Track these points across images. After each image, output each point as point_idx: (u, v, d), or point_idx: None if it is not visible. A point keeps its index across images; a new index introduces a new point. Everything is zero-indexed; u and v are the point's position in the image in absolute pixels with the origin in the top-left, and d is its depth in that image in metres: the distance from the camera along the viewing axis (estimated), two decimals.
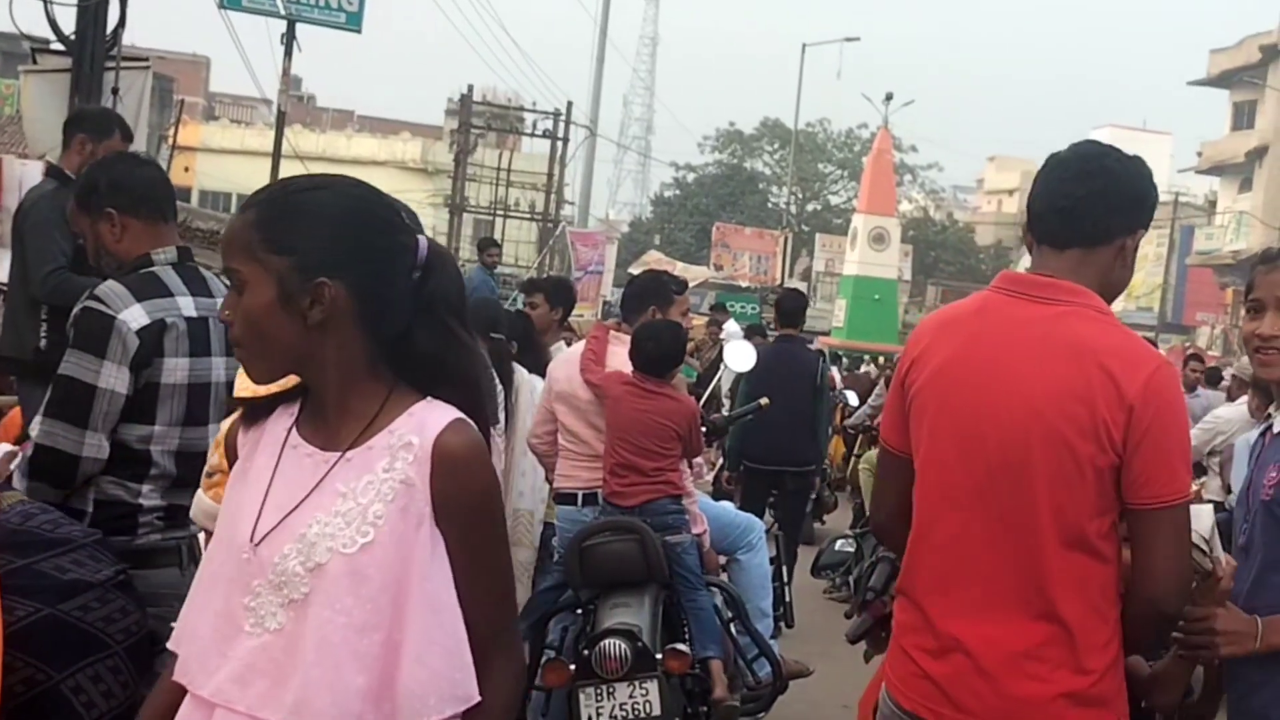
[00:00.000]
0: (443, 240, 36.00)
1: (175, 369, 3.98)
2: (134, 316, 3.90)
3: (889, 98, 41.38)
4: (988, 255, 69.60)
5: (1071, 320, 2.95)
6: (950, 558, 3.02)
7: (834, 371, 13.63)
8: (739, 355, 8.31)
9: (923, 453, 3.08)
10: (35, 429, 3.83)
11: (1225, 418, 9.81)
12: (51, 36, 10.22)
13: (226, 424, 3.57)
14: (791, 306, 10.73)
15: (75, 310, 3.92)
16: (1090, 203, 3.01)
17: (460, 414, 2.39)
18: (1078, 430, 2.86)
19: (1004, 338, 2.99)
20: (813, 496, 13.68)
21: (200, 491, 3.59)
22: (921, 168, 71.75)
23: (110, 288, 3.93)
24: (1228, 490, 9.21)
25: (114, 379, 3.86)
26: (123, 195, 4.11)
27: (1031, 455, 2.89)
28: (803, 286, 52.80)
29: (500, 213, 36.17)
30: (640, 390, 5.98)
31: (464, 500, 2.35)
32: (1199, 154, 60.48)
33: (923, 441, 3.07)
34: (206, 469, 3.57)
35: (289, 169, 20.01)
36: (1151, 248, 61.46)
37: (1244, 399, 9.82)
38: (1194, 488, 10.32)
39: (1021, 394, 2.91)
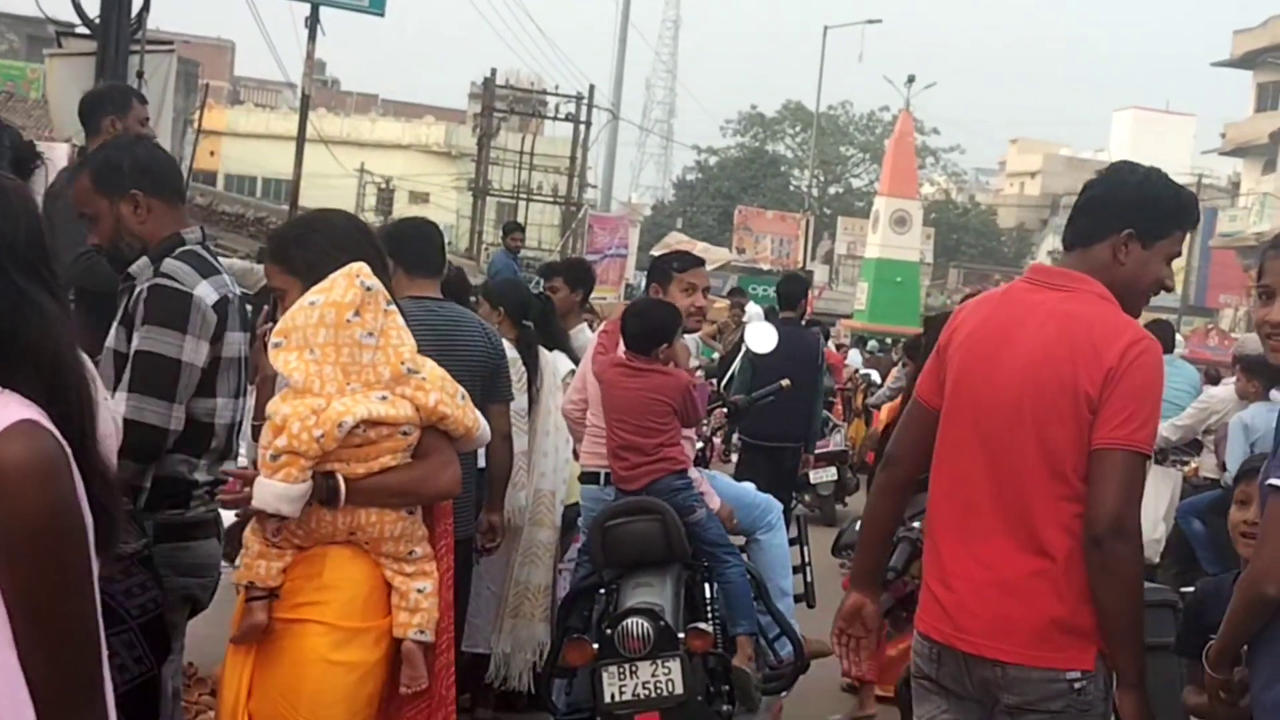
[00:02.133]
0: (465, 224, 36.13)
1: (233, 343, 4.12)
2: (206, 293, 4.02)
3: (911, 80, 41.13)
4: (1010, 238, 69.42)
5: (1071, 302, 3.43)
6: (957, 496, 3.49)
7: (855, 352, 13.67)
8: (760, 336, 8.29)
9: (945, 407, 3.57)
10: (120, 406, 3.81)
11: (1219, 397, 9.99)
12: (76, 20, 10.25)
13: (279, 405, 3.59)
14: (787, 290, 11.24)
15: (143, 288, 3.95)
16: (1084, 209, 3.56)
17: (29, 413, 1.91)
18: (1059, 385, 3.32)
19: (1016, 315, 3.49)
20: (834, 478, 13.75)
21: (265, 477, 3.54)
22: (944, 150, 71.63)
23: (178, 266, 4.02)
24: (1223, 468, 9.36)
25: (194, 353, 3.96)
26: (148, 177, 4.15)
27: (1023, 403, 3.36)
28: (824, 269, 52.75)
29: (523, 196, 36.18)
30: (630, 369, 5.96)
31: (13, 530, 1.86)
32: (1222, 135, 60.14)
33: (946, 398, 3.57)
34: (270, 451, 3.54)
35: (313, 153, 20.06)
36: None
37: (1232, 379, 9.99)
38: (1192, 465, 10.40)
39: (1020, 357, 3.40)
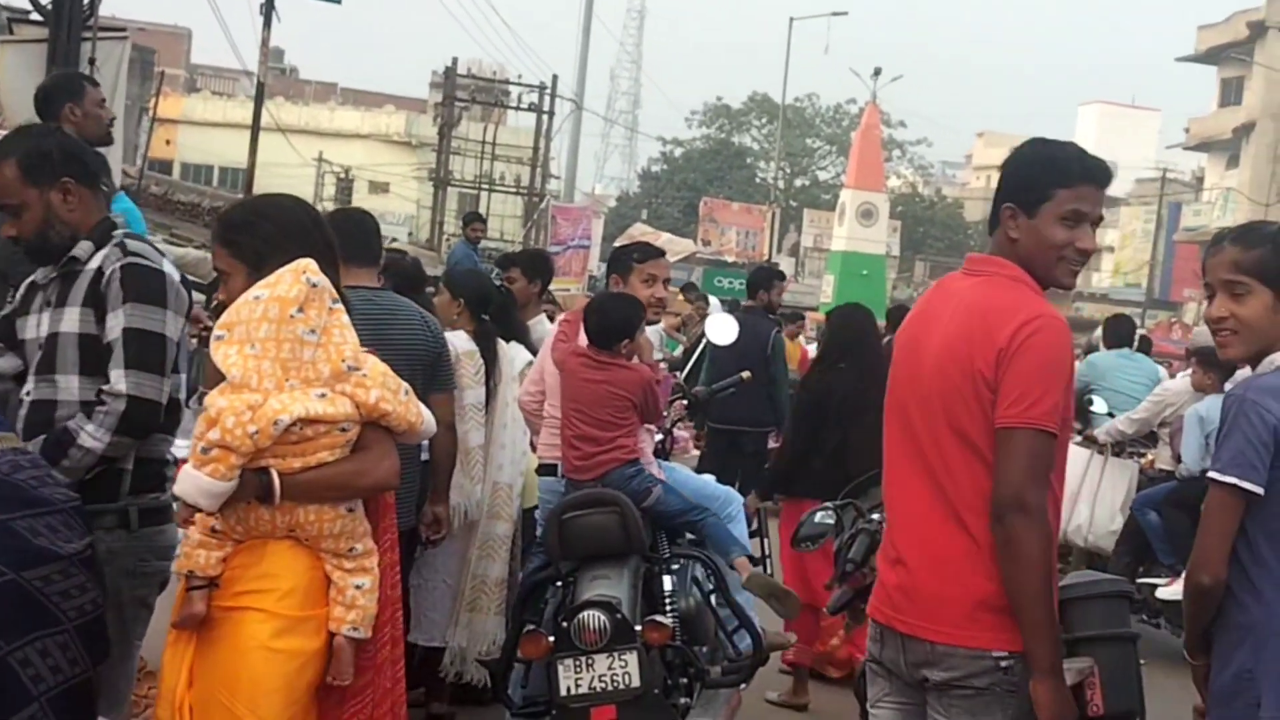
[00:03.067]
0: (426, 214, 36.06)
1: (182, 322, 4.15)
2: (171, 271, 4.09)
3: (877, 73, 41.26)
4: (976, 231, 69.63)
5: (983, 286, 3.49)
6: (894, 483, 3.62)
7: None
8: (721, 329, 8.32)
9: (886, 399, 3.68)
10: (121, 384, 3.86)
11: (1174, 390, 10.15)
12: (28, 6, 10.19)
13: (215, 398, 3.58)
14: (751, 279, 12.03)
15: (116, 267, 3.96)
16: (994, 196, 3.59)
17: None
18: (961, 370, 3.38)
19: (938, 305, 3.59)
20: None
21: (192, 467, 3.54)
22: (910, 143, 71.94)
23: (142, 246, 4.10)
24: (1178, 460, 9.44)
25: (175, 328, 4.02)
26: (77, 165, 4.15)
27: (933, 389, 3.45)
28: (790, 262, 52.84)
29: (485, 187, 36.11)
30: (593, 362, 5.98)
31: None
32: (1186, 130, 60.57)
33: (887, 391, 3.68)
34: (201, 443, 3.53)
35: (270, 142, 19.97)
36: (1139, 224, 61.55)
37: (1188, 372, 10.13)
38: (1148, 457, 10.51)
39: (934, 347, 3.48)
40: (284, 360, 3.59)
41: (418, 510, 5.72)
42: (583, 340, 6.10)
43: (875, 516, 5.47)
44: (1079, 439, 10.15)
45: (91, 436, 3.84)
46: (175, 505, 3.73)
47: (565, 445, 6.00)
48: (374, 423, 3.71)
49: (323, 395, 3.61)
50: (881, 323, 18.82)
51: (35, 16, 10.27)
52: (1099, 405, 10.81)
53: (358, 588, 3.71)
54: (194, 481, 3.53)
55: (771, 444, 10.85)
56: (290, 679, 3.61)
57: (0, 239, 4.25)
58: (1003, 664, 3.34)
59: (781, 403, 10.86)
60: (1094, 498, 10.24)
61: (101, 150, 5.08)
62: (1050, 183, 3.43)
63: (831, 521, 5.88)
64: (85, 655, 3.46)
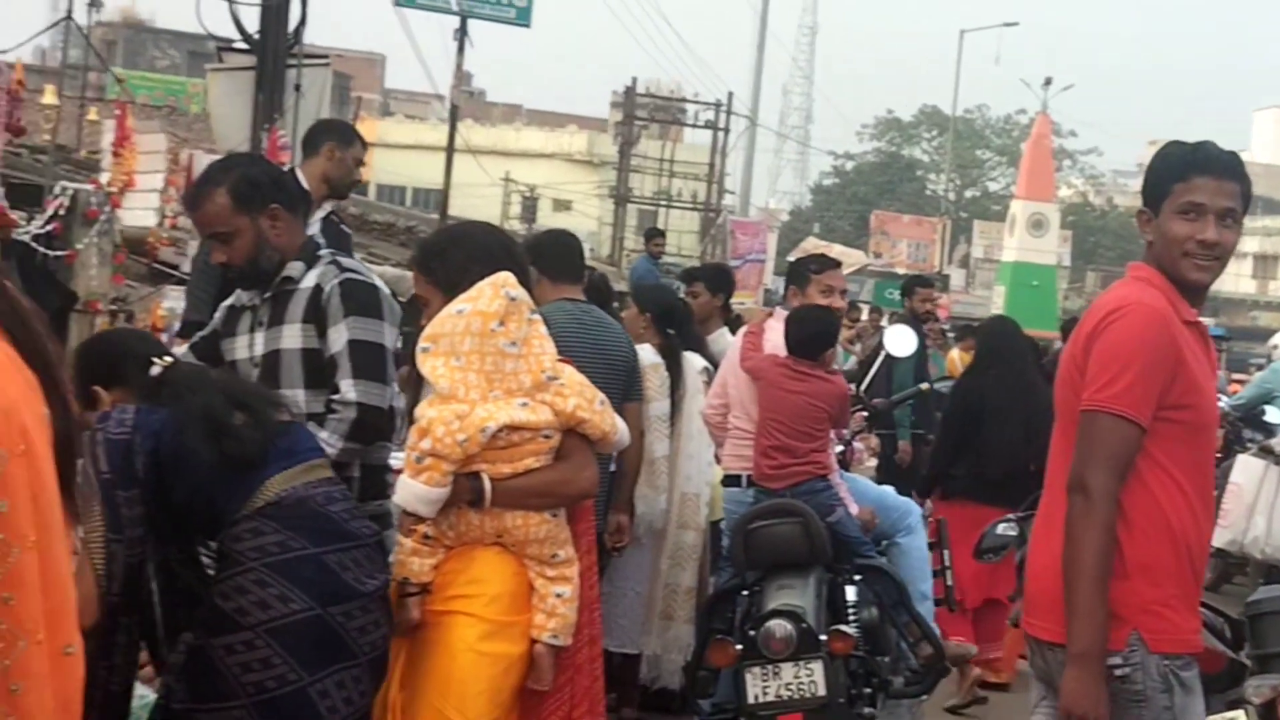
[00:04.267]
0: (607, 231, 36.33)
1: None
2: (382, 284, 4.19)
3: (1048, 82, 40.44)
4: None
5: (1114, 287, 3.50)
6: (1046, 488, 3.47)
7: (955, 351, 13.52)
8: (899, 340, 8.20)
9: None
10: (351, 393, 3.95)
11: None
12: (236, 36, 10.44)
13: (425, 409, 3.68)
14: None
15: (334, 283, 4.04)
16: None
17: None
18: (1068, 364, 3.35)
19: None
20: None
21: (408, 476, 3.65)
22: (1081, 152, 70.30)
23: (354, 263, 4.23)
24: None
25: (392, 338, 4.11)
26: (283, 191, 4.23)
27: (1059, 392, 3.40)
28: (960, 273, 52.07)
29: (663, 203, 36.25)
30: (793, 372, 5.98)
31: None
32: None
33: None
34: (415, 453, 3.62)
35: (460, 162, 20.27)
36: None
37: None
38: None
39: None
40: (487, 372, 3.67)
41: (602, 517, 5.74)
42: (780, 350, 6.07)
43: None
44: (1255, 449, 9.79)
45: (326, 443, 3.90)
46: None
47: (759, 454, 5.97)
48: (572, 431, 3.76)
49: (524, 404, 3.68)
50: (1050, 332, 18.36)
51: (242, 45, 10.53)
52: (1273, 414, 10.43)
53: (558, 596, 3.76)
54: (411, 490, 3.64)
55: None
56: (495, 681, 3.67)
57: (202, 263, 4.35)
58: (1116, 672, 3.16)
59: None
60: (1271, 509, 9.85)
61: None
62: (1167, 178, 3.33)
63: (1014, 533, 5.75)
64: (372, 690, 3.56)
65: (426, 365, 3.69)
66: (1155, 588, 3.18)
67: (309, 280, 4.10)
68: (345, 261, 4.19)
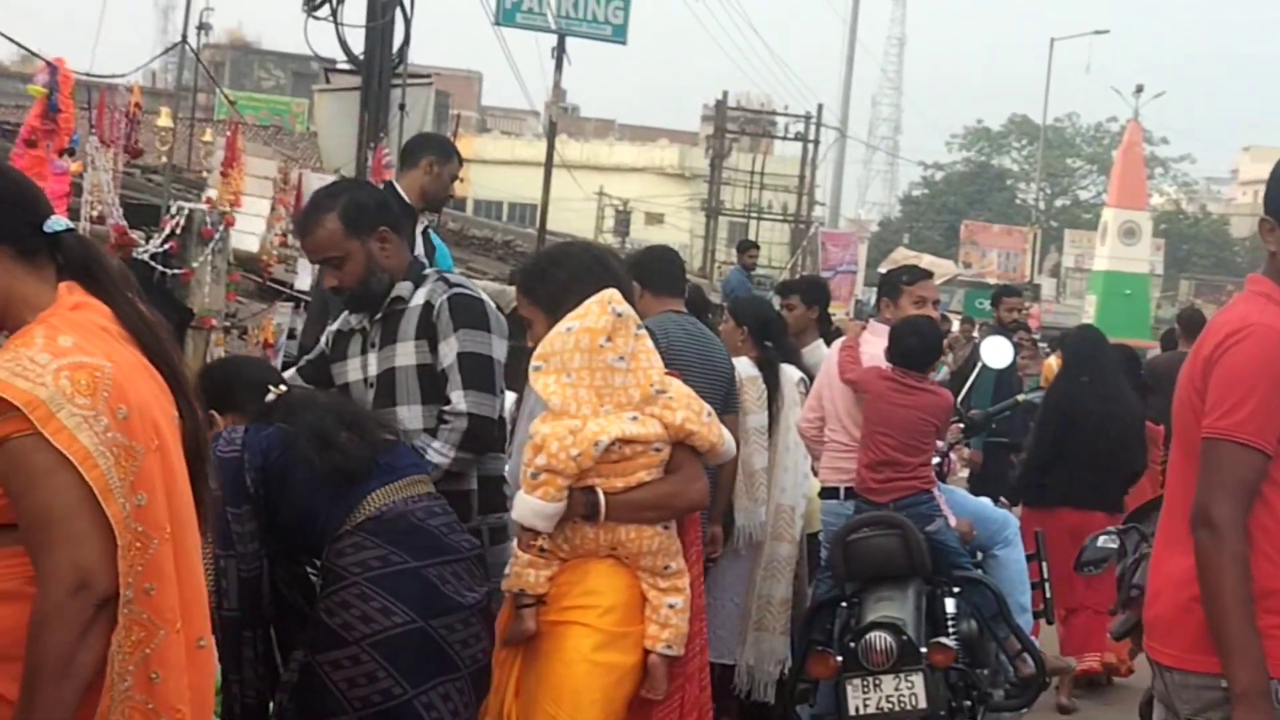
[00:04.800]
0: (699, 243, 36.30)
1: None
2: (488, 299, 4.24)
3: (1139, 90, 39.87)
4: (1243, 248, 66.69)
5: (1230, 304, 3.33)
6: (1165, 507, 3.31)
7: (1051, 360, 13.37)
8: (996, 352, 8.11)
9: None
10: (461, 404, 4.00)
11: None
12: (341, 57, 10.57)
13: (539, 426, 3.72)
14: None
15: (443, 298, 4.10)
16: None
17: None
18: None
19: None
20: None
21: (524, 493, 3.69)
22: (1173, 160, 69.31)
23: (460, 279, 4.28)
24: None
25: (500, 351, 4.15)
26: (389, 213, 4.29)
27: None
28: (1051, 283, 51.44)
29: (754, 215, 36.15)
30: (900, 385, 5.93)
31: None
32: None
33: None
34: (530, 469, 3.67)
35: (555, 177, 20.35)
36: None
37: None
38: None
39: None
40: (598, 387, 3.72)
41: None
42: (876, 362, 6.04)
43: None
44: None
45: (439, 453, 3.98)
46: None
47: (864, 467, 5.93)
48: (681, 443, 3.78)
49: (634, 418, 3.71)
50: (1148, 343, 18.02)
51: (345, 65, 10.65)
52: None
53: (671, 607, 3.78)
54: (528, 505, 3.68)
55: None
56: (609, 691, 3.71)
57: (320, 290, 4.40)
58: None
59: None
60: None
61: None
62: None
63: (1115, 545, 5.68)
64: (475, 702, 3.61)
65: (539, 383, 3.74)
66: (1272, 614, 3.02)
67: (418, 298, 4.15)
68: (452, 277, 4.26)
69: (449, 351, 4.05)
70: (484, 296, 4.24)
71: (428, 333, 4.10)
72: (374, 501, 3.56)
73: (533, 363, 3.79)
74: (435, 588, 3.51)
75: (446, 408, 4.04)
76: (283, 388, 3.84)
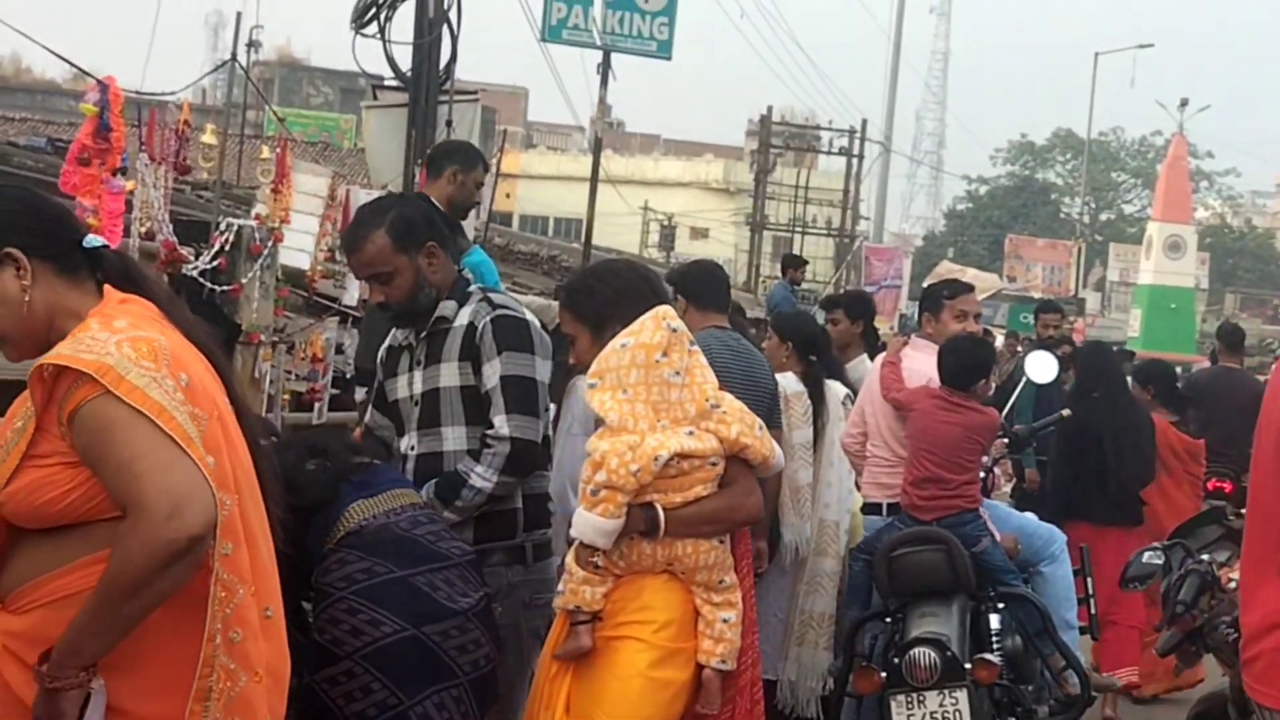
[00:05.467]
0: (743, 258, 36.26)
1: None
2: (533, 318, 4.21)
3: (1184, 103, 39.70)
4: None
5: None
6: (1250, 527, 3.00)
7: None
8: (1040, 366, 8.04)
9: None
10: (504, 428, 3.99)
11: None
12: (389, 73, 10.59)
13: (598, 443, 3.70)
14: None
15: (486, 320, 4.08)
16: None
17: None
18: (1276, 406, 2.81)
19: None
20: None
21: (583, 509, 3.67)
22: (1218, 174, 68.85)
23: (505, 298, 4.25)
24: None
25: (543, 371, 4.13)
26: (437, 229, 4.25)
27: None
28: (1096, 297, 51.12)
29: (798, 229, 36.09)
30: (947, 404, 5.88)
31: None
32: None
33: None
34: (590, 486, 3.65)
35: (601, 192, 20.36)
36: None
37: None
38: None
39: None
40: (654, 402, 3.71)
41: None
42: (919, 378, 6.00)
43: (1205, 557, 5.21)
44: None
45: (481, 477, 3.97)
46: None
47: (909, 484, 5.89)
48: (735, 457, 3.76)
49: (691, 433, 3.69)
50: (1195, 357, 17.83)
51: (392, 82, 10.67)
52: None
53: (725, 621, 3.76)
54: (588, 522, 3.65)
55: None
56: (664, 708, 3.69)
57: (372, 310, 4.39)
58: None
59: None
60: None
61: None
62: None
63: (1160, 562, 5.61)
64: (476, 709, 3.54)
65: (595, 400, 3.73)
66: None
67: (462, 318, 4.13)
68: (496, 298, 4.22)
69: (492, 374, 4.04)
70: (529, 317, 4.22)
71: (471, 354, 4.08)
72: (353, 517, 3.55)
73: (588, 379, 3.79)
74: (425, 595, 3.47)
75: (489, 431, 4.03)
76: (273, 439, 3.81)
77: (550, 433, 4.31)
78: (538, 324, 4.23)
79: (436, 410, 4.12)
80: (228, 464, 2.54)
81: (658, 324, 3.75)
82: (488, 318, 4.09)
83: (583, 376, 4.15)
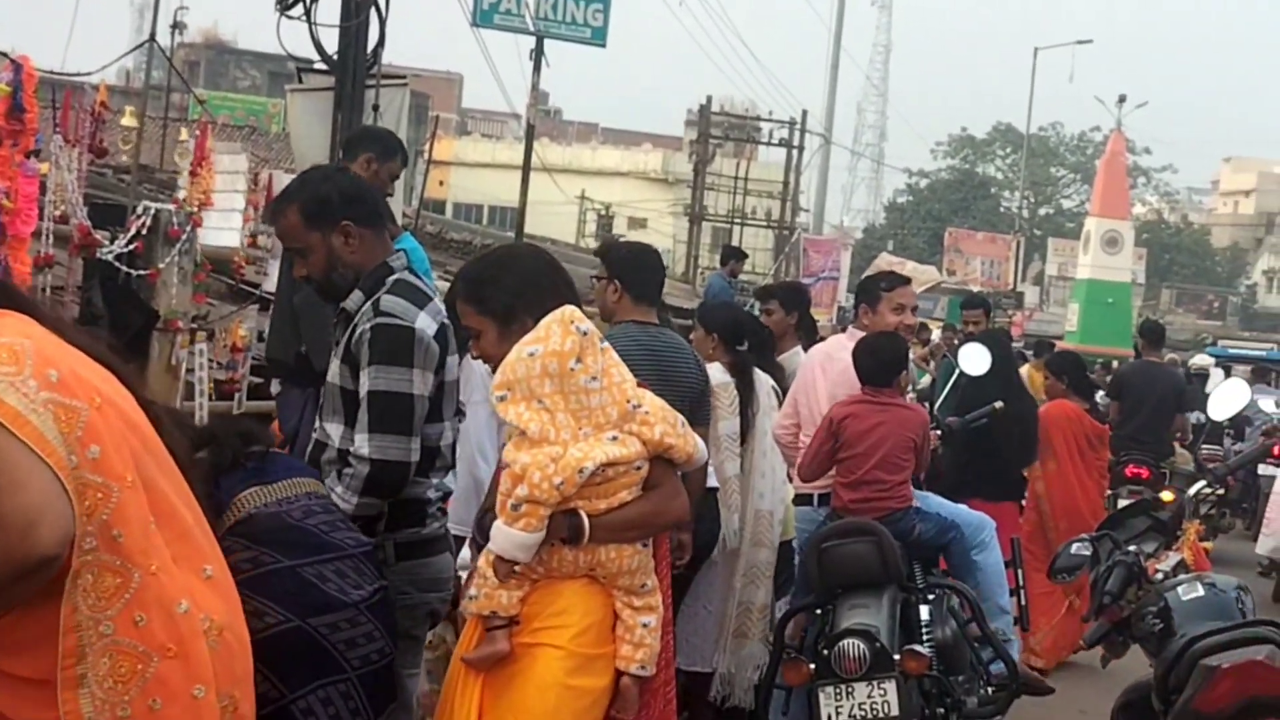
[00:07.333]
0: (682, 248, 36.31)
1: (451, 367, 4.10)
2: (425, 324, 3.97)
3: (1122, 100, 40.06)
4: (1224, 258, 67.08)
5: None
6: None
7: (1027, 366, 13.47)
8: (973, 358, 8.10)
9: None
10: (364, 448, 3.86)
11: None
12: (315, 57, 10.47)
13: (517, 454, 3.56)
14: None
15: (366, 327, 3.92)
16: None
17: None
18: None
19: None
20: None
21: (503, 524, 3.54)
22: (1155, 170, 69.61)
23: (395, 302, 3.96)
24: None
25: (422, 385, 3.93)
26: (358, 207, 4.11)
27: None
28: (1034, 291, 51.58)
29: (738, 221, 36.18)
30: (873, 404, 5.98)
31: None
32: None
33: None
34: (511, 500, 3.52)
35: (536, 181, 20.32)
36: None
37: None
38: None
39: None
40: (574, 410, 3.58)
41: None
42: (846, 375, 6.04)
43: (1132, 548, 5.27)
44: None
45: (341, 499, 3.82)
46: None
47: (844, 487, 5.98)
48: (659, 457, 3.68)
49: (615, 438, 3.59)
50: (1125, 350, 18.16)
51: (321, 66, 10.56)
52: None
53: (644, 626, 3.67)
54: (508, 537, 3.52)
55: None
56: (580, 715, 3.60)
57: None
58: None
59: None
60: None
61: None
62: None
63: (1088, 553, 5.66)
64: (368, 705, 3.41)
65: (509, 413, 3.58)
66: None
67: (360, 319, 3.98)
68: (385, 301, 3.97)
69: (362, 387, 3.91)
70: (417, 324, 3.96)
71: (350, 359, 3.96)
72: (243, 505, 3.42)
73: (495, 393, 3.64)
74: (314, 586, 3.35)
75: (351, 449, 3.90)
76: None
77: (441, 443, 4.11)
78: (431, 330, 3.99)
79: (328, 402, 4.04)
80: (116, 450, 2.50)
81: (565, 329, 3.61)
82: (368, 324, 3.93)
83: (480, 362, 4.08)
